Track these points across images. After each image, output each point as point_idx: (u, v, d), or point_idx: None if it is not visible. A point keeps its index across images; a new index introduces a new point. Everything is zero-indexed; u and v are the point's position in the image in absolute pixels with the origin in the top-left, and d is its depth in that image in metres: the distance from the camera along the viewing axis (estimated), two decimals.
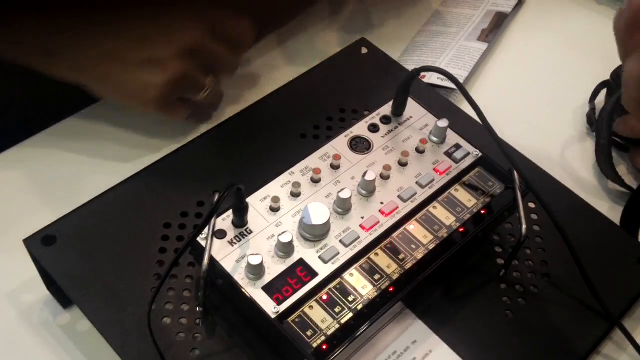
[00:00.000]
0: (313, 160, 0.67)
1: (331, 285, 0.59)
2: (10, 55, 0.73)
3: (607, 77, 0.87)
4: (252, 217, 0.62)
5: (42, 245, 0.63)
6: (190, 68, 0.74)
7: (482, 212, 0.65)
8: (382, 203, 0.64)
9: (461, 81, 0.87)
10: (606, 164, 0.80)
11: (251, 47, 0.81)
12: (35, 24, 0.72)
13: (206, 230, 0.60)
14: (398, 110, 0.71)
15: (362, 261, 0.61)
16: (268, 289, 0.58)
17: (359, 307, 0.58)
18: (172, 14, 0.74)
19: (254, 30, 0.79)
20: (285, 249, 0.60)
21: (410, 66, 0.85)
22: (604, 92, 0.88)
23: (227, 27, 0.76)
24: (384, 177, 0.66)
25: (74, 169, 0.77)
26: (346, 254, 0.61)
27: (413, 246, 0.62)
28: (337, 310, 0.58)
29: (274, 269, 0.59)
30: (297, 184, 0.64)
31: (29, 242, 0.63)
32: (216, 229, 0.61)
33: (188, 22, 0.74)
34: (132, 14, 0.73)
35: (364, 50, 0.84)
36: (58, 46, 0.73)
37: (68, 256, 0.63)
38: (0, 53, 0.72)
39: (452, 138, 0.70)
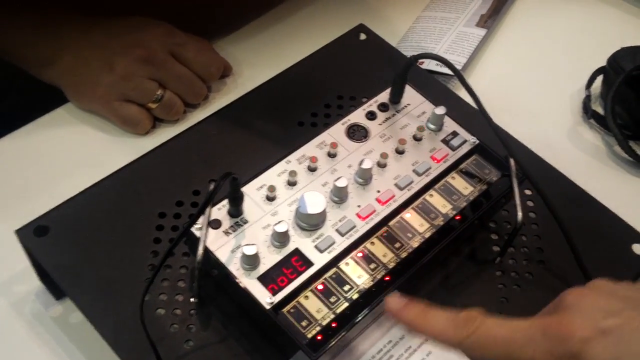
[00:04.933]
0: (310, 149, 0.66)
1: (327, 275, 0.59)
2: None
3: (604, 63, 0.86)
4: (247, 206, 0.61)
5: (34, 236, 0.62)
6: (140, 74, 0.76)
7: (479, 199, 0.65)
8: (378, 191, 0.64)
9: (459, 67, 0.87)
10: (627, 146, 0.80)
11: (216, 80, 0.83)
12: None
13: (201, 219, 0.59)
14: (396, 98, 0.70)
15: (358, 250, 0.60)
16: (263, 279, 0.58)
17: (355, 297, 0.58)
18: (141, 30, 0.79)
19: (220, 65, 0.83)
20: (281, 238, 0.59)
21: (409, 52, 0.84)
22: (600, 78, 0.87)
23: (189, 50, 0.80)
24: (381, 165, 0.65)
25: (67, 158, 0.76)
26: (342, 243, 0.60)
27: (409, 235, 0.62)
28: (332, 300, 0.58)
29: (270, 259, 0.59)
30: (293, 173, 0.63)
31: (20, 233, 0.62)
32: (211, 218, 0.60)
33: (152, 38, 0.78)
34: (104, 25, 0.78)
35: (363, 37, 0.83)
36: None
37: (61, 247, 0.63)
38: None
39: (450, 125, 0.69)
